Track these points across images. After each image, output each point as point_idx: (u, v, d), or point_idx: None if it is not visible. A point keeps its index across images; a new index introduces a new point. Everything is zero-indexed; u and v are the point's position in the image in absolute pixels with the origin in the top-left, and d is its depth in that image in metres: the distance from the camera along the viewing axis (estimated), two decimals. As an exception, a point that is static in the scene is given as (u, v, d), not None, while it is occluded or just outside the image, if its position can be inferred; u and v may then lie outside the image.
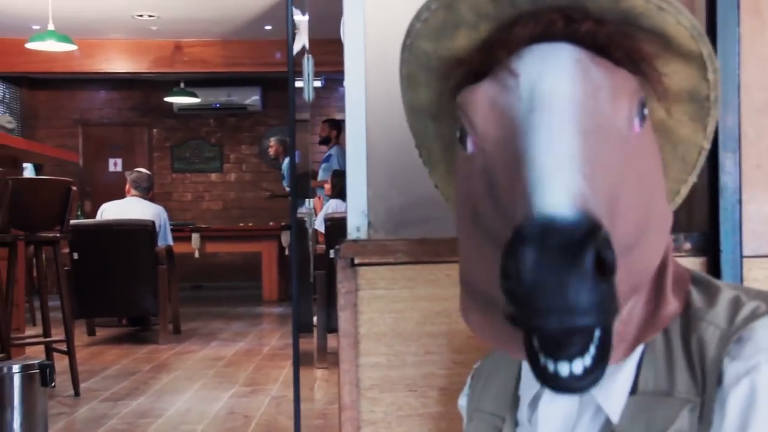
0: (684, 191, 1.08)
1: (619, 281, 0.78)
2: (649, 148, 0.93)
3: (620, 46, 0.90)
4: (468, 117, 0.91)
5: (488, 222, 0.87)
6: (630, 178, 0.86)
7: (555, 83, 0.85)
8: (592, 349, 0.77)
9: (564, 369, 0.77)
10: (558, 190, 0.75)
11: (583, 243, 0.71)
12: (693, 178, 1.07)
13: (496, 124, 0.88)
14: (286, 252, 9.88)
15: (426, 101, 1.09)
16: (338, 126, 9.62)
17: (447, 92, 1.03)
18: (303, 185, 7.14)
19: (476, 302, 0.95)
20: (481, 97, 0.90)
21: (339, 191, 6.92)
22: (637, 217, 0.86)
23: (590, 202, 0.76)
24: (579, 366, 0.77)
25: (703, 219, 1.45)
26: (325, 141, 9.73)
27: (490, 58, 0.93)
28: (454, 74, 1.00)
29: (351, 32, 1.57)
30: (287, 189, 10.58)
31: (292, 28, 1.95)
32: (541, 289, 0.72)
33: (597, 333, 0.77)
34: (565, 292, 0.71)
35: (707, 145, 1.03)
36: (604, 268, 0.72)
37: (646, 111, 0.91)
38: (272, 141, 10.77)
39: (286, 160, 10.51)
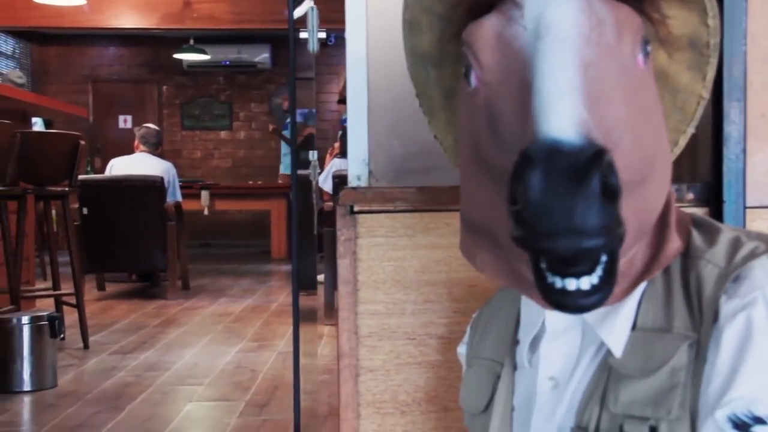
0: (682, 142, 1.07)
1: (626, 219, 0.79)
2: (652, 87, 0.93)
3: None
4: (473, 51, 0.90)
5: (490, 157, 0.87)
6: (635, 112, 0.86)
7: (560, 13, 0.84)
8: (599, 270, 0.78)
9: (571, 284, 0.78)
10: (563, 116, 0.76)
11: (590, 166, 0.72)
12: (691, 129, 1.06)
13: (501, 55, 0.87)
14: (295, 210, 9.88)
15: (428, 46, 1.09)
16: None
17: (449, 36, 1.03)
18: (307, 143, 7.10)
19: (483, 241, 0.95)
20: (487, 30, 0.89)
21: (344, 150, 6.89)
22: (644, 153, 0.86)
23: (593, 131, 0.76)
24: (586, 282, 0.78)
25: (706, 169, 1.44)
26: (344, 100, 9.70)
27: None
28: (456, 15, 0.99)
29: (353, -20, 1.55)
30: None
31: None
32: (549, 211, 0.72)
33: (603, 258, 0.78)
34: (573, 213, 0.72)
35: (706, 95, 1.02)
36: (610, 192, 0.73)
37: (649, 48, 0.91)
38: (286, 94, 10.91)
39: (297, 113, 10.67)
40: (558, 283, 0.78)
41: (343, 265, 1.46)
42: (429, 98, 1.16)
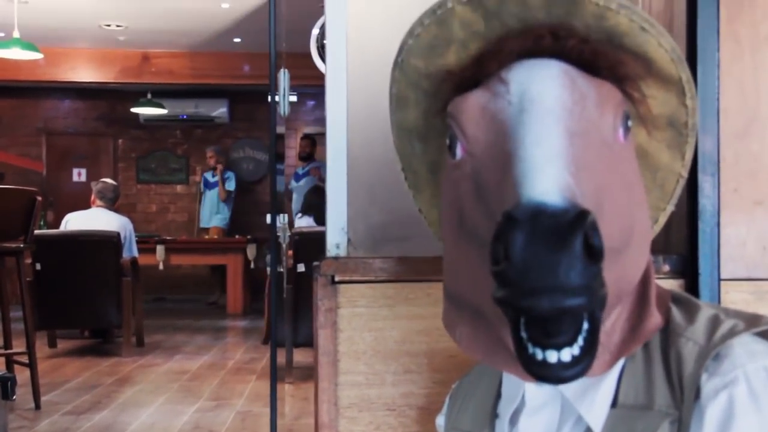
0: (662, 220, 1.09)
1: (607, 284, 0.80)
2: (632, 161, 0.95)
3: (605, 63, 0.92)
4: (458, 123, 0.92)
5: (475, 225, 0.88)
6: (615, 183, 0.88)
7: (544, 88, 0.87)
8: (580, 340, 0.78)
9: (552, 356, 0.78)
10: (548, 180, 0.78)
11: (573, 226, 0.73)
12: (671, 207, 1.08)
13: (486, 128, 0.89)
14: (252, 265, 9.86)
15: (414, 121, 1.10)
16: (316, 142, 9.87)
17: (435, 111, 1.04)
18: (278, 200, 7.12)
19: (463, 314, 0.96)
20: (472, 103, 0.91)
21: (307, 207, 6.88)
22: (623, 222, 0.88)
23: (577, 197, 0.78)
24: (567, 354, 0.78)
25: (680, 241, 1.46)
26: (306, 157, 9.87)
27: (481, 70, 0.94)
28: (442, 90, 1.01)
29: (332, 49, 1.57)
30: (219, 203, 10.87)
31: (274, 42, 1.94)
32: (532, 269, 0.73)
33: (585, 325, 0.78)
34: (556, 271, 0.73)
35: (685, 174, 1.05)
36: (593, 252, 0.74)
37: (629, 123, 0.93)
38: (211, 151, 10.98)
39: (227, 174, 10.86)
40: (539, 354, 0.79)
41: (323, 335, 1.45)
42: (414, 173, 1.16)
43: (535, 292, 0.73)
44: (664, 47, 0.94)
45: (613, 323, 0.93)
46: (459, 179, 0.93)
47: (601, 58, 0.92)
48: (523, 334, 0.79)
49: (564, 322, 0.77)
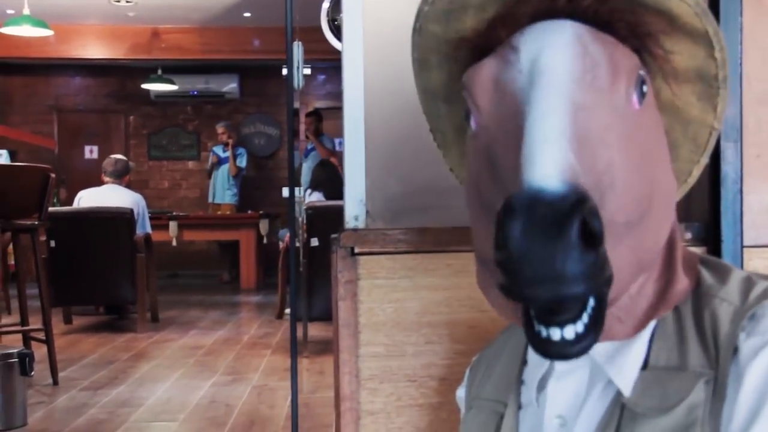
0: (696, 172, 1.07)
1: (622, 258, 0.81)
2: (651, 126, 0.92)
3: (624, 21, 0.90)
4: (471, 95, 0.91)
5: (488, 198, 0.88)
6: (629, 154, 0.86)
7: (554, 58, 0.85)
8: (585, 317, 0.78)
9: (555, 334, 0.79)
10: (547, 163, 0.76)
11: (569, 214, 0.73)
12: (705, 159, 1.06)
13: (498, 99, 0.88)
14: (264, 240, 9.89)
15: (437, 84, 1.09)
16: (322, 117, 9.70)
17: (457, 74, 1.03)
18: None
19: (493, 278, 0.95)
20: (484, 74, 0.90)
21: (315, 183, 6.85)
22: (638, 194, 0.86)
23: (580, 177, 0.77)
24: (570, 331, 0.78)
25: (700, 209, 1.45)
26: (313, 133, 9.73)
27: (494, 34, 0.93)
28: (461, 56, 1.00)
29: (349, 21, 1.55)
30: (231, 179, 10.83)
31: (291, 12, 1.93)
32: (529, 259, 0.73)
33: (591, 302, 0.78)
34: (552, 261, 0.72)
35: (718, 126, 1.02)
36: (592, 238, 0.73)
37: (645, 88, 0.91)
38: (222, 127, 10.88)
39: (239, 150, 10.84)
40: (543, 332, 0.79)
41: (343, 307, 1.44)
42: (442, 134, 1.16)
43: (534, 283, 0.73)
44: (686, 2, 0.91)
45: (640, 288, 0.92)
46: (477, 151, 0.92)
47: (618, 15, 0.90)
48: (531, 313, 0.80)
49: (566, 306, 0.77)
